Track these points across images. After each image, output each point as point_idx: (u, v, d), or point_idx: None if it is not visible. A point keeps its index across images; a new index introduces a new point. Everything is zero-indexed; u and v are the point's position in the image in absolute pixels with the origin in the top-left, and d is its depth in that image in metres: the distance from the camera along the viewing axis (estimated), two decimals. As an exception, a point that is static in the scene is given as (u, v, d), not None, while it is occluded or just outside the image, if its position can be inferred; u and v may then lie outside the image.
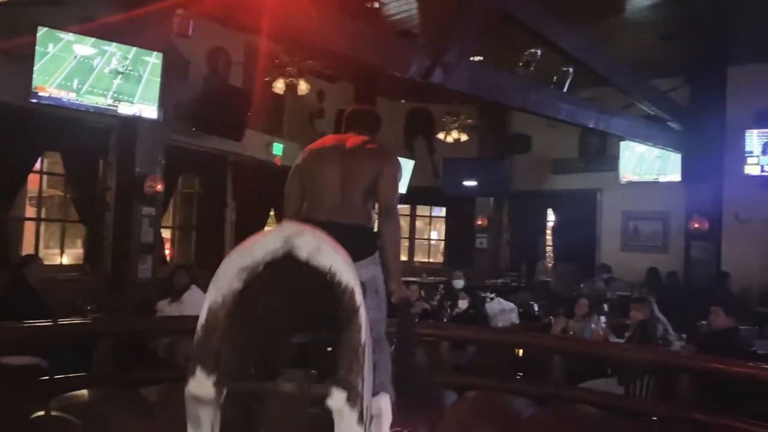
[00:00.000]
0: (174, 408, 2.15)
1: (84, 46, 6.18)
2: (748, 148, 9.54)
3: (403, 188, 8.05)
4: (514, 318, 7.20)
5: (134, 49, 6.52)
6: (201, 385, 1.82)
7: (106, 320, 5.37)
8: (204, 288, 6.20)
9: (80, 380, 4.10)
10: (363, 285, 2.81)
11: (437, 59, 5.57)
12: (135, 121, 6.88)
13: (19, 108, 6.11)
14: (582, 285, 9.76)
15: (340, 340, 1.85)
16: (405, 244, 13.06)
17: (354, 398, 1.80)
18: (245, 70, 9.08)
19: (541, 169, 12.25)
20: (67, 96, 6.12)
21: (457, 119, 11.38)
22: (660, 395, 4.51)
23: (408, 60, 5.55)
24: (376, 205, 3.16)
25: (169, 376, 4.19)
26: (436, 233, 14.50)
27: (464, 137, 11.49)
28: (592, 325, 5.92)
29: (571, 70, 6.92)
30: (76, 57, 6.12)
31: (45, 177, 7.37)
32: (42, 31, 5.85)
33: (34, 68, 5.84)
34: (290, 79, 8.74)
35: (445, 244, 13.92)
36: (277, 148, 9.55)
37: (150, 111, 6.73)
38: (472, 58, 6.36)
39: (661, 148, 9.60)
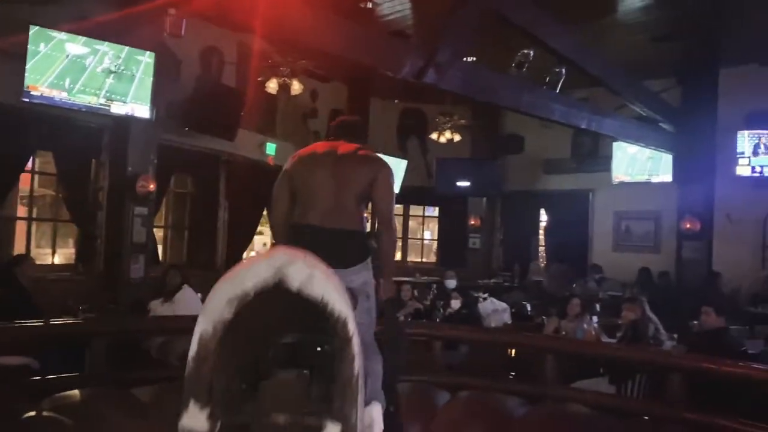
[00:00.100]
0: (167, 408, 2.14)
1: (76, 45, 6.16)
2: (739, 149, 9.60)
3: (396, 188, 8.10)
4: (507, 318, 7.21)
5: (127, 48, 6.50)
6: (195, 418, 1.80)
7: (99, 320, 5.35)
8: (196, 288, 6.23)
9: (72, 380, 4.08)
10: (354, 291, 2.84)
11: (430, 59, 5.58)
12: (127, 121, 6.86)
13: (10, 107, 6.07)
14: (574, 285, 9.78)
15: (334, 370, 1.83)
16: (398, 243, 13.05)
17: (348, 431, 1.80)
18: (238, 70, 9.06)
19: (534, 170, 12.29)
20: (59, 95, 6.10)
21: (450, 119, 11.39)
22: (651, 395, 4.54)
23: (401, 60, 5.56)
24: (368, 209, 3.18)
25: (162, 376, 4.18)
26: (429, 233, 14.52)
27: (457, 137, 11.50)
28: (584, 325, 5.93)
29: (563, 70, 6.94)
30: (68, 56, 6.10)
31: (37, 176, 7.34)
32: (34, 30, 5.82)
33: (26, 67, 5.81)
34: (283, 78, 8.73)
35: (438, 244, 13.95)
36: (270, 148, 9.54)
37: (142, 110, 6.71)
38: (465, 59, 6.37)
39: (653, 149, 9.64)
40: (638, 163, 10.46)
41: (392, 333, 3.18)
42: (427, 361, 4.95)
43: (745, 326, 6.81)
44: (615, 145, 10.44)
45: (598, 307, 7.85)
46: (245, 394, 1.92)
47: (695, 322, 5.45)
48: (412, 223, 14.18)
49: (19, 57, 5.77)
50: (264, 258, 1.89)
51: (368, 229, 3.23)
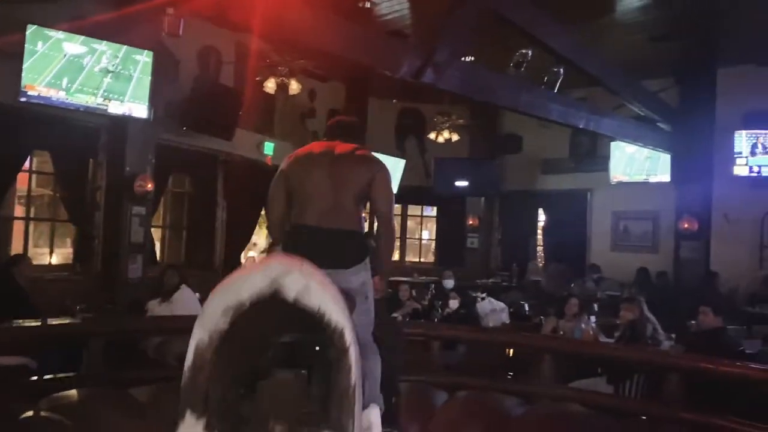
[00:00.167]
0: (164, 408, 2.14)
1: (74, 45, 6.15)
2: (737, 149, 9.61)
3: (394, 188, 8.09)
4: (505, 318, 7.22)
5: (124, 47, 6.49)
6: (191, 428, 1.79)
7: (97, 320, 5.34)
8: (194, 288, 6.22)
9: (70, 380, 4.07)
10: (353, 291, 2.84)
11: (428, 59, 5.58)
12: (125, 120, 6.85)
13: (8, 107, 6.06)
14: (572, 285, 9.79)
15: (330, 381, 1.83)
16: (396, 243, 13.04)
17: None
18: (236, 70, 9.06)
19: (532, 169, 12.29)
20: (57, 95, 6.09)
21: (449, 119, 11.40)
22: (649, 395, 4.54)
23: (399, 60, 5.55)
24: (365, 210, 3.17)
25: (160, 376, 4.18)
26: (428, 233, 14.51)
27: (455, 137, 11.51)
28: (582, 325, 5.93)
29: (561, 70, 6.94)
30: (65, 55, 6.09)
31: (34, 176, 7.33)
32: (31, 29, 5.81)
33: (23, 67, 5.80)
34: (281, 78, 8.73)
35: (436, 244, 13.93)
36: (268, 148, 9.53)
37: (140, 110, 6.70)
38: (463, 59, 6.37)
39: (651, 149, 9.65)
40: (636, 162, 10.47)
41: (389, 333, 3.18)
42: (425, 361, 4.95)
43: (743, 326, 6.81)
44: (613, 144, 10.45)
45: (596, 306, 7.86)
46: (242, 402, 1.92)
47: (693, 322, 5.46)
48: (410, 222, 14.18)
49: (16, 56, 5.76)
50: (260, 268, 1.88)
51: (366, 229, 3.23)
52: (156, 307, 5.74)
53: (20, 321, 4.54)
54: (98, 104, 6.42)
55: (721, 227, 9.55)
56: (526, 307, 8.31)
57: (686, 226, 9.36)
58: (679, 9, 7.92)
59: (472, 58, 7.15)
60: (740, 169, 9.64)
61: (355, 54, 5.40)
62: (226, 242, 9.35)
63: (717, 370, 3.91)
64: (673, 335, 5.54)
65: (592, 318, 6.56)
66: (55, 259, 7.65)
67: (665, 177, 9.87)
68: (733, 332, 5.69)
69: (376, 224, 3.20)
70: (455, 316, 6.78)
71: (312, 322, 1.81)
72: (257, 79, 8.65)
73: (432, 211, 14.06)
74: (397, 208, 12.77)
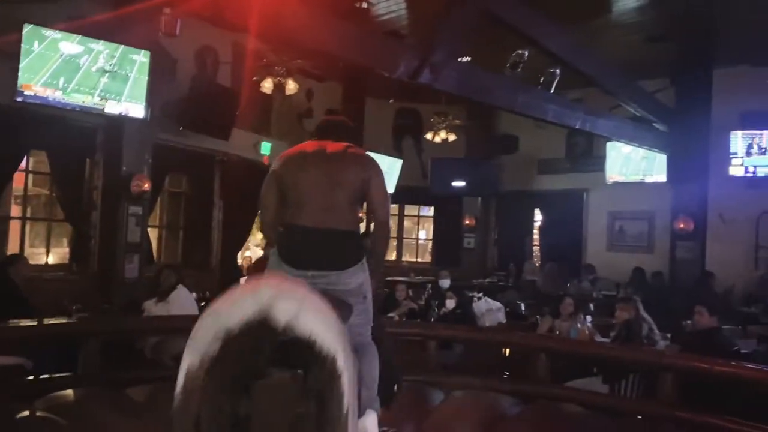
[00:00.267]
0: (161, 408, 2.14)
1: (71, 44, 6.14)
2: (732, 150, 9.65)
3: (391, 188, 8.08)
4: (501, 317, 7.22)
5: (121, 47, 6.48)
6: None
7: (93, 320, 5.34)
8: (191, 288, 6.21)
9: (66, 380, 4.08)
10: (351, 293, 2.83)
11: (425, 60, 5.59)
12: (122, 120, 6.84)
13: (4, 106, 6.06)
14: (568, 285, 9.81)
15: (323, 407, 1.81)
16: (393, 243, 13.09)
17: None
18: (233, 70, 9.06)
19: (529, 170, 12.32)
20: (54, 94, 6.08)
21: (445, 119, 11.42)
22: (645, 394, 4.56)
23: (396, 60, 5.56)
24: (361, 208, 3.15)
25: (156, 376, 4.19)
26: (424, 233, 14.53)
27: (452, 137, 11.52)
28: (578, 325, 5.95)
29: (558, 71, 6.96)
30: (62, 55, 6.08)
31: (31, 176, 7.34)
32: (28, 29, 5.80)
33: (20, 66, 5.79)
34: (278, 78, 8.72)
35: (433, 244, 13.96)
36: (265, 147, 9.54)
37: (137, 110, 6.70)
38: (459, 59, 6.38)
39: (647, 149, 9.67)
40: (632, 163, 10.49)
41: (380, 333, 3.16)
42: (421, 360, 4.97)
43: (738, 326, 6.84)
44: (609, 145, 10.46)
45: (591, 306, 7.85)
46: (234, 426, 1.92)
47: (688, 321, 5.48)
48: (407, 222, 14.20)
49: (12, 56, 5.75)
50: (250, 292, 1.84)
51: (362, 229, 3.22)
52: (152, 307, 5.73)
53: (17, 321, 4.53)
54: (95, 104, 6.41)
55: (717, 227, 9.58)
56: (523, 307, 8.32)
57: (682, 226, 9.38)
58: (675, 9, 7.95)
59: (469, 59, 7.16)
60: (736, 170, 9.67)
61: (352, 54, 5.41)
62: (222, 242, 9.35)
63: (712, 369, 3.93)
64: (669, 335, 5.56)
65: (588, 318, 6.56)
66: (51, 259, 7.65)
67: (661, 177, 9.90)
68: (728, 332, 5.70)
69: (372, 224, 3.18)
70: (452, 316, 6.79)
71: (303, 349, 1.79)
72: (254, 78, 8.65)
73: (429, 211, 14.08)
74: (393, 208, 12.78)
